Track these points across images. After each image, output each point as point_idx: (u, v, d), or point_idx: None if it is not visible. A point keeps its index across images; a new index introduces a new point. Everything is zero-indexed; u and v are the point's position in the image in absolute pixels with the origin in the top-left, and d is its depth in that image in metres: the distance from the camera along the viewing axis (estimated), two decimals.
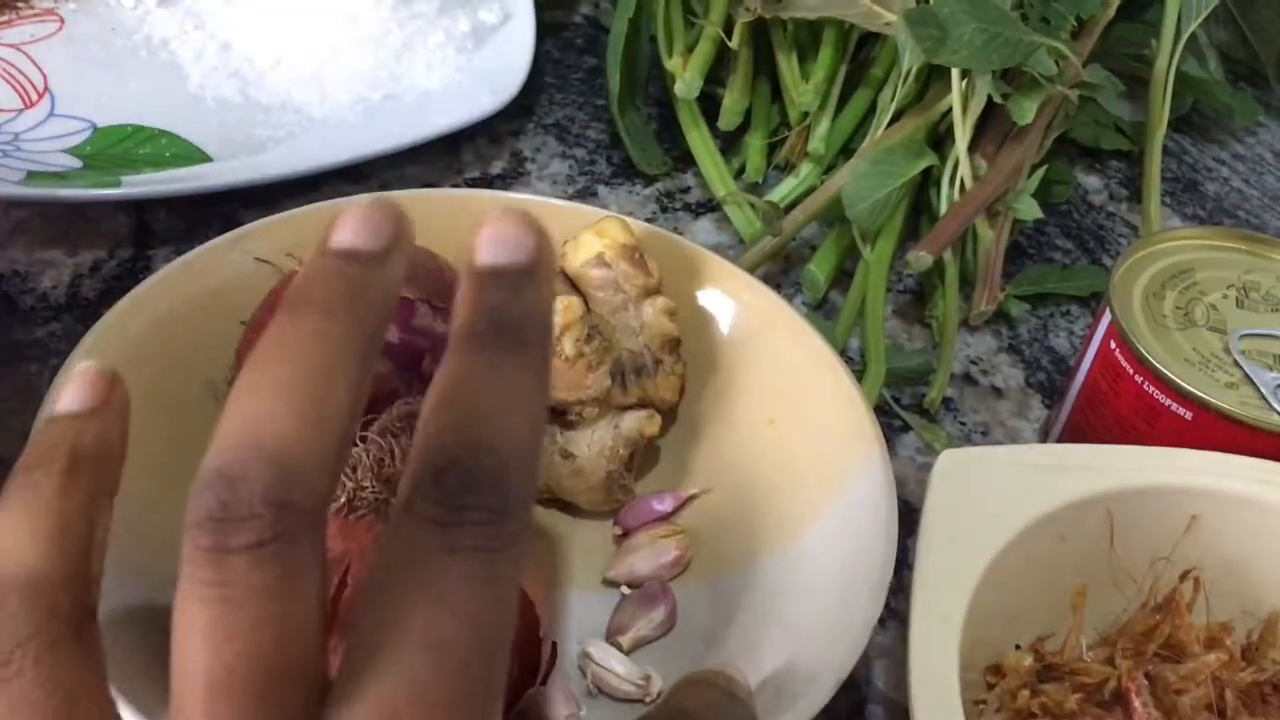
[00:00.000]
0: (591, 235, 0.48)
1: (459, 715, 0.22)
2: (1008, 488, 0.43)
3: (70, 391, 0.26)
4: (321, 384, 0.23)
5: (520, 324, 0.24)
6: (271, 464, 0.22)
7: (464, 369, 0.24)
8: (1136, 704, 0.39)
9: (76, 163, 0.61)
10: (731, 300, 0.51)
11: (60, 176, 0.59)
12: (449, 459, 0.23)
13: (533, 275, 0.25)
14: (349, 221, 0.25)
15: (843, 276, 0.62)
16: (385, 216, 0.25)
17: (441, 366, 0.24)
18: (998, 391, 0.58)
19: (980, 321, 0.61)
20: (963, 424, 0.57)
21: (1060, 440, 0.53)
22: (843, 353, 0.58)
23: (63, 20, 0.70)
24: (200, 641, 0.21)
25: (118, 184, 0.58)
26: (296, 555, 0.22)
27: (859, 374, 0.55)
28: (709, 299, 0.51)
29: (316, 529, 0.22)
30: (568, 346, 0.45)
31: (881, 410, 0.56)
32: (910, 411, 0.56)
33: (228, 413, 0.22)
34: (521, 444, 0.23)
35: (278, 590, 0.21)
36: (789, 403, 0.49)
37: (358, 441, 0.40)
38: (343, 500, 0.38)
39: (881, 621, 0.47)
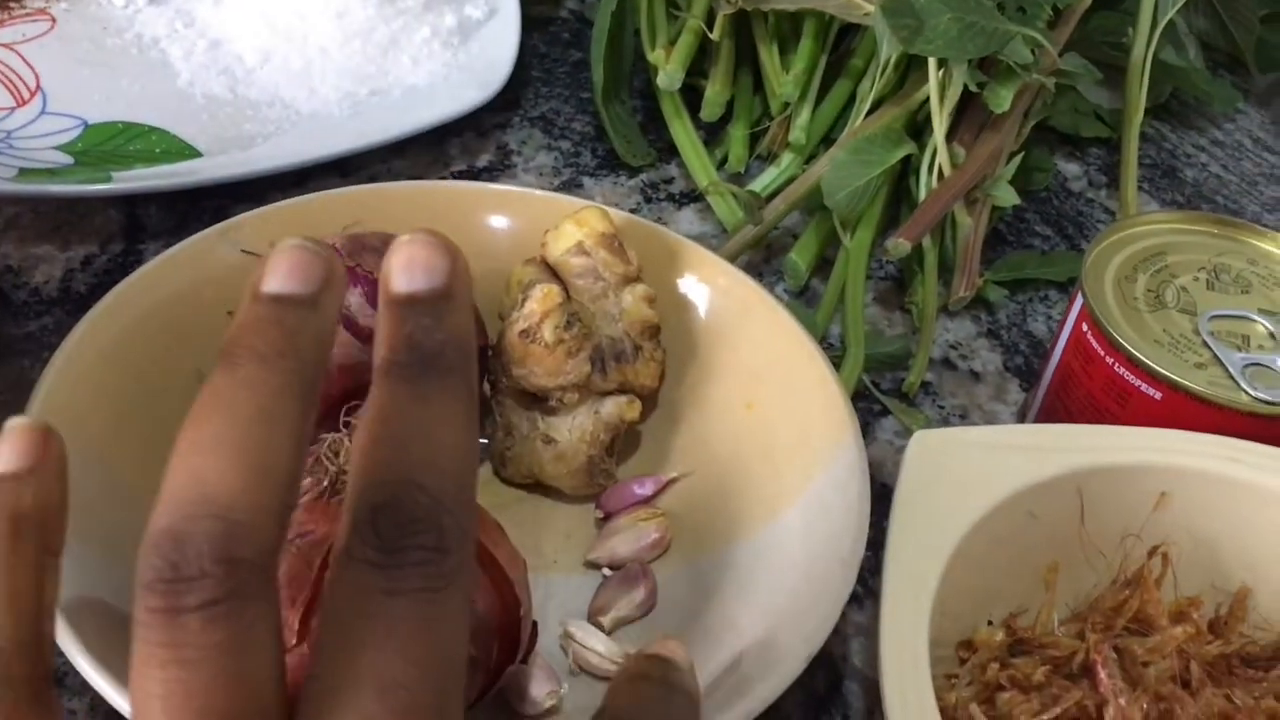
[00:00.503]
0: (571, 224, 0.49)
1: None
2: (978, 467, 0.43)
3: (4, 452, 0.25)
4: (262, 435, 0.23)
5: (440, 351, 0.24)
6: (217, 520, 0.22)
7: (389, 403, 0.24)
8: (1102, 675, 0.40)
9: (68, 159, 0.62)
10: (710, 287, 0.52)
11: (52, 173, 0.60)
12: (383, 500, 0.23)
13: (449, 299, 0.25)
14: (278, 266, 0.24)
15: (824, 264, 0.63)
16: (314, 258, 0.25)
17: (368, 401, 0.24)
18: (976, 375, 0.59)
19: (959, 307, 0.61)
20: (941, 407, 0.57)
21: (1036, 422, 0.54)
22: (824, 339, 0.59)
23: (54, 20, 0.71)
24: (159, 705, 0.21)
25: (108, 180, 0.59)
26: (249, 609, 0.22)
27: (840, 359, 0.56)
28: (688, 286, 0.52)
29: (267, 581, 0.22)
30: (547, 333, 0.46)
31: (861, 395, 0.57)
32: (890, 396, 0.57)
33: (171, 470, 0.23)
34: (453, 475, 0.23)
35: (233, 647, 0.21)
36: (766, 387, 0.49)
37: (340, 427, 0.41)
38: (326, 484, 0.39)
39: (860, 601, 0.49)
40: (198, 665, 0.21)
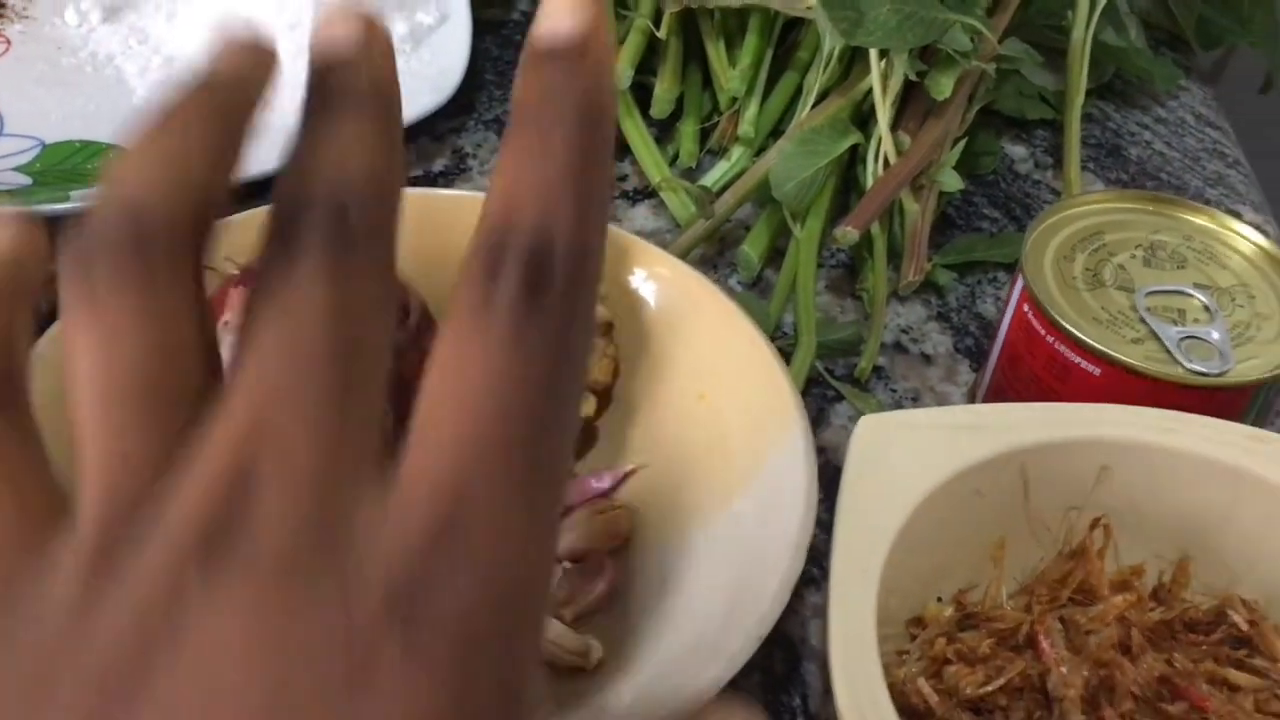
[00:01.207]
0: None
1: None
2: (923, 448, 0.45)
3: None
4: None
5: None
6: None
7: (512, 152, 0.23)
8: (1045, 645, 0.42)
9: (26, 180, 0.62)
10: (658, 283, 0.53)
11: (11, 195, 0.61)
12: (496, 242, 0.22)
13: (585, 55, 0.23)
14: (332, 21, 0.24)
15: (776, 255, 0.64)
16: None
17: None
18: (927, 358, 0.61)
19: (909, 292, 0.63)
20: (894, 390, 0.59)
21: (985, 402, 0.56)
22: (778, 327, 0.60)
23: (9, 41, 0.72)
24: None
25: (68, 199, 0.60)
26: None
27: (793, 347, 0.57)
28: (638, 282, 0.53)
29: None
30: None
31: (815, 381, 0.58)
32: (843, 381, 0.58)
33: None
34: (570, 218, 0.22)
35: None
36: (716, 378, 0.51)
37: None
38: None
39: (817, 583, 0.50)
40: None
